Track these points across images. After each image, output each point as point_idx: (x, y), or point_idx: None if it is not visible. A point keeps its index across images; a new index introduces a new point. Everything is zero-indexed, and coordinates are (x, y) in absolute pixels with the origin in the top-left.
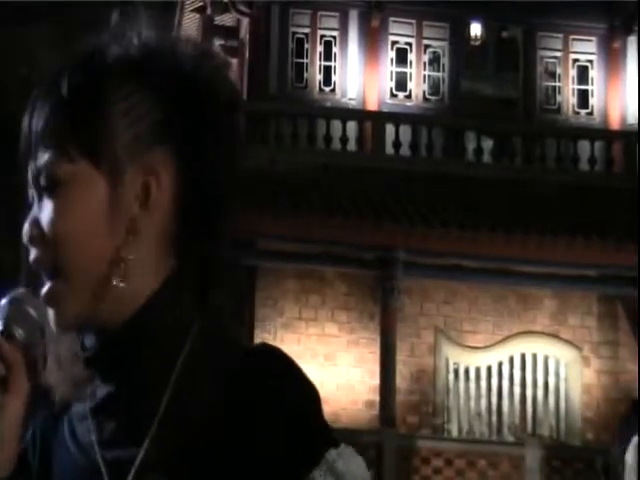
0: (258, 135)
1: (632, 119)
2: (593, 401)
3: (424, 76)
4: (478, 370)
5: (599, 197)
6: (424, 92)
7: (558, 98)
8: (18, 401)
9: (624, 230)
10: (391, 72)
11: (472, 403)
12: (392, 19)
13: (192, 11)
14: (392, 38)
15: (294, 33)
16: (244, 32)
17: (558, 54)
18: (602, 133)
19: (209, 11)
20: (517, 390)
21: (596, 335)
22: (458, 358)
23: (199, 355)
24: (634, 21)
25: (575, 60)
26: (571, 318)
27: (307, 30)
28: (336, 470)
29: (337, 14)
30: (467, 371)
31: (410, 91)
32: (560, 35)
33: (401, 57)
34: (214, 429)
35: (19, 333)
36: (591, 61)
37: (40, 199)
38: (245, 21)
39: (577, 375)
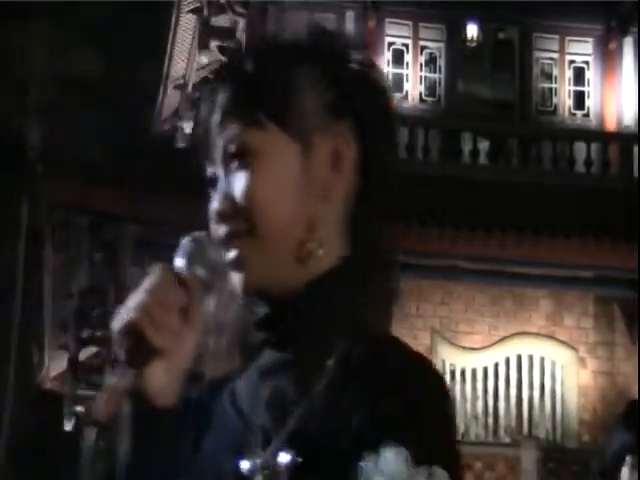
0: None
1: (628, 121)
2: (589, 402)
3: (420, 77)
4: (474, 371)
5: (595, 199)
6: (420, 93)
7: (554, 100)
8: (194, 334)
9: (620, 231)
10: (387, 73)
11: (468, 405)
12: (388, 20)
13: (189, 12)
14: (388, 39)
15: None
16: (240, 33)
17: (554, 55)
18: (598, 135)
19: (205, 12)
20: (513, 392)
21: (592, 336)
22: (454, 359)
23: (356, 340)
24: (630, 22)
25: (571, 61)
26: (567, 319)
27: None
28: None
29: (333, 15)
30: (463, 372)
31: (406, 92)
32: (556, 36)
33: (397, 58)
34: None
35: (199, 272)
36: (587, 62)
37: (227, 174)
38: (241, 22)
39: (573, 376)
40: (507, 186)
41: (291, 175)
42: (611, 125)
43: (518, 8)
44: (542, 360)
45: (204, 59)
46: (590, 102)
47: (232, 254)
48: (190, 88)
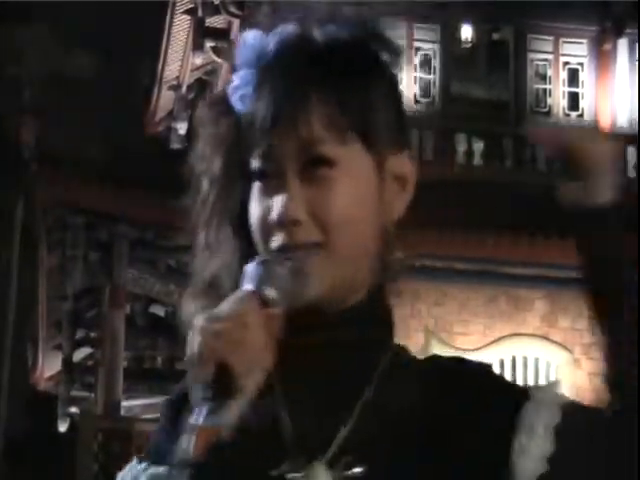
0: None
1: (622, 122)
2: (584, 403)
3: (415, 78)
4: None
5: None
6: (415, 94)
7: (548, 100)
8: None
9: None
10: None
11: None
12: (382, 21)
13: (183, 13)
14: None
15: None
16: (235, 34)
17: (549, 56)
18: None
19: (200, 13)
20: None
21: (587, 337)
22: None
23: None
24: (625, 23)
25: (565, 63)
26: (562, 320)
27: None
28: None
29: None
30: None
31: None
32: (551, 38)
33: None
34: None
35: (270, 293)
36: (582, 64)
37: (302, 180)
38: (236, 23)
39: (568, 377)
40: (502, 187)
41: (366, 190)
42: (605, 125)
43: (512, 9)
44: (537, 361)
45: (198, 60)
46: (584, 103)
47: (304, 260)
48: (184, 89)
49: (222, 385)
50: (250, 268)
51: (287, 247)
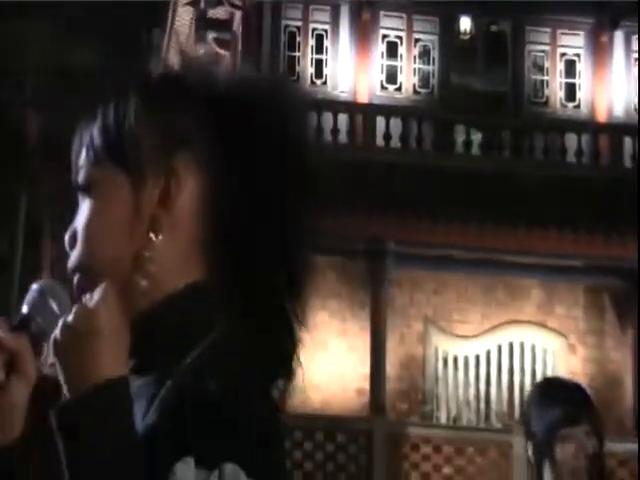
0: None
1: (618, 112)
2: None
3: (414, 69)
4: (467, 359)
5: (586, 189)
6: (414, 85)
7: (546, 91)
8: (22, 385)
9: (611, 221)
10: (382, 65)
11: (460, 391)
12: (383, 13)
13: (186, 4)
14: (383, 32)
15: (286, 26)
16: (237, 25)
17: (546, 48)
18: (589, 126)
19: (202, 4)
20: (505, 378)
21: (582, 324)
22: (447, 347)
23: (206, 354)
24: (621, 16)
25: (563, 54)
26: (558, 308)
27: (299, 23)
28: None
29: (328, 7)
30: (456, 359)
31: (400, 84)
32: (548, 29)
33: (391, 50)
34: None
35: (37, 321)
36: (578, 55)
37: (81, 204)
38: (238, 14)
39: (563, 363)
40: (500, 177)
41: (120, 212)
42: (601, 116)
43: (511, 2)
44: (533, 347)
45: (201, 52)
46: (581, 94)
47: (77, 283)
48: None
49: None
50: (30, 290)
51: (69, 268)
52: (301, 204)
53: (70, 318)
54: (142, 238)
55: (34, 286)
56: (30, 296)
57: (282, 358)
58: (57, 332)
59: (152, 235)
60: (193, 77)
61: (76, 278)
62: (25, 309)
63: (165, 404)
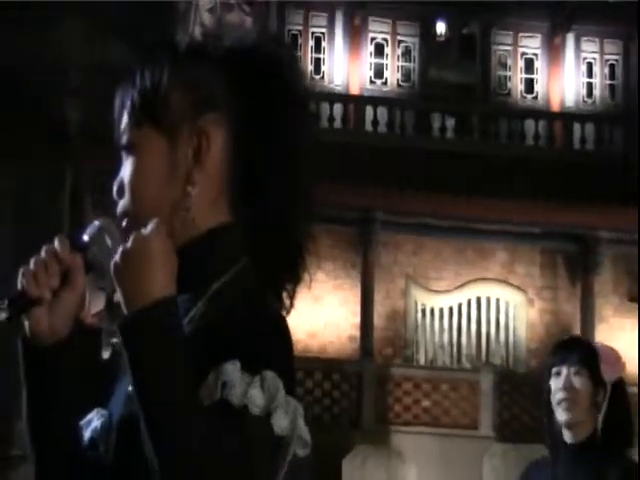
0: None
1: (569, 102)
2: (536, 335)
3: (398, 66)
4: (441, 310)
5: (543, 167)
6: (398, 80)
7: (509, 85)
8: (72, 296)
9: (563, 194)
10: (370, 63)
11: (436, 337)
12: (371, 18)
13: (205, 11)
14: (371, 34)
15: (289, 30)
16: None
17: (509, 48)
18: (545, 114)
19: (218, 11)
20: (473, 327)
21: (539, 281)
22: (425, 300)
23: (228, 285)
24: (572, 20)
25: (523, 53)
26: (518, 267)
27: (300, 27)
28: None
29: (326, 14)
30: (432, 311)
31: (386, 79)
32: (511, 32)
33: (379, 50)
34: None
35: (93, 250)
36: (536, 54)
37: (121, 162)
38: (248, 20)
39: (523, 314)
40: (470, 156)
41: (159, 167)
42: (555, 106)
43: (480, 8)
44: (497, 301)
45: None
46: (538, 87)
47: (123, 228)
48: None
49: (20, 298)
50: (92, 225)
51: (118, 216)
52: (310, 160)
53: (128, 244)
54: (179, 189)
55: (95, 222)
56: (91, 229)
57: (291, 267)
58: (117, 257)
59: (189, 188)
60: (219, 44)
61: (124, 222)
62: (85, 238)
63: (207, 316)
